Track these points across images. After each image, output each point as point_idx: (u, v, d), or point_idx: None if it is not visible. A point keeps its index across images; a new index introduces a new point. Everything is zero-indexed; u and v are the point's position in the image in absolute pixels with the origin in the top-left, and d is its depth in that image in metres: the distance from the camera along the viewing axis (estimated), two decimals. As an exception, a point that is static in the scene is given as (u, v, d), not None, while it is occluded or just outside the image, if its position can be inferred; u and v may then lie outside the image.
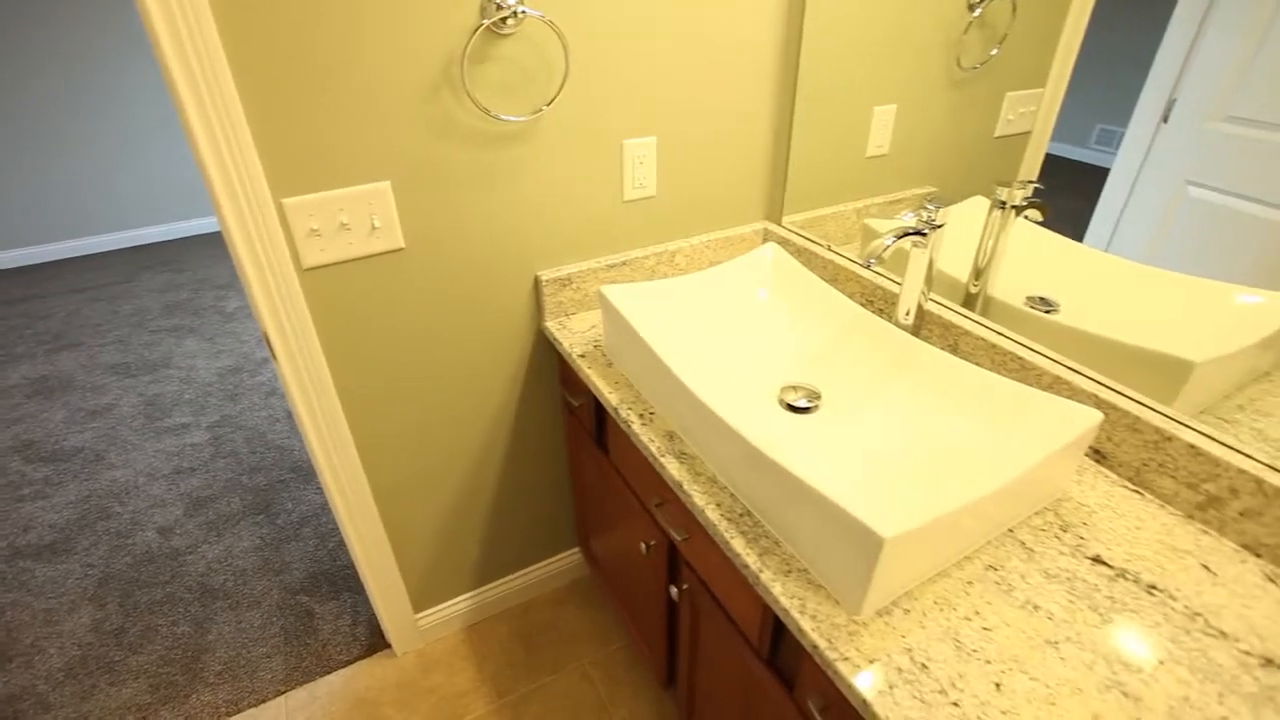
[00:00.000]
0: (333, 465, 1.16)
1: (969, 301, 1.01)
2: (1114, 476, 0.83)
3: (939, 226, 0.88)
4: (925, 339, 1.03)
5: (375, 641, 1.52)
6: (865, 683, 0.59)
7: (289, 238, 0.96)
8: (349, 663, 1.48)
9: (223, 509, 1.92)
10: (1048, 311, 0.90)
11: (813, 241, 1.25)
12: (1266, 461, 0.70)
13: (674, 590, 1.00)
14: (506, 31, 0.95)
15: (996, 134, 0.92)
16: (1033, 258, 0.90)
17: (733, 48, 1.14)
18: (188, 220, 3.85)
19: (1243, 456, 0.71)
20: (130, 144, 3.52)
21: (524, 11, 0.92)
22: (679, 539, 0.93)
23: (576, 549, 1.60)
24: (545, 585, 1.61)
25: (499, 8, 0.92)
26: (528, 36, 0.97)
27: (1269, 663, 0.60)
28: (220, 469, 2.08)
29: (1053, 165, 0.85)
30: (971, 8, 0.91)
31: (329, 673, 1.46)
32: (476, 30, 0.92)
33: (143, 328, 2.92)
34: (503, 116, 0.99)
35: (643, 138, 1.13)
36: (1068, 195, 0.84)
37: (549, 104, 1.02)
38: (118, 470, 2.08)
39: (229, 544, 1.80)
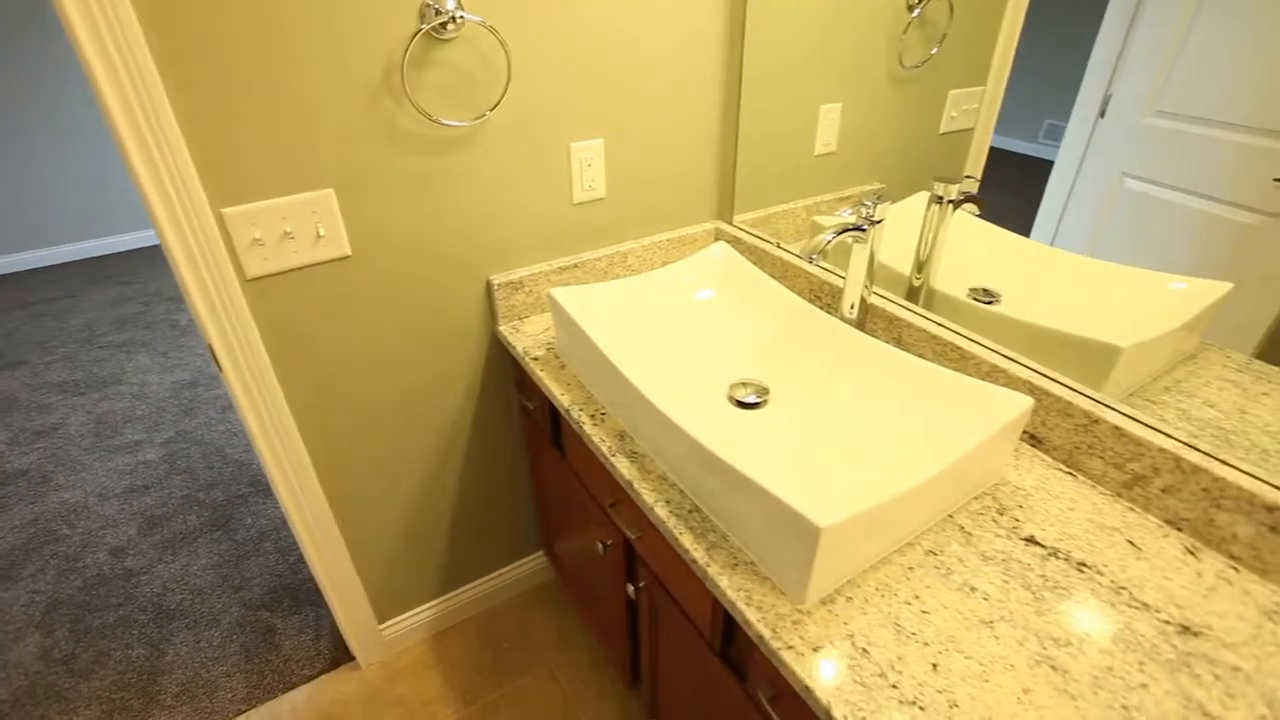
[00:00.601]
0: (287, 478, 1.14)
1: (912, 294, 1.03)
2: (1049, 459, 0.86)
3: (877, 222, 0.91)
4: (871, 332, 1.06)
5: (339, 655, 1.50)
6: (808, 670, 0.61)
7: (230, 248, 0.95)
8: (312, 677, 1.46)
9: (179, 527, 1.88)
10: (989, 302, 0.93)
11: (762, 239, 1.27)
12: (1184, 440, 0.73)
13: (631, 589, 1.01)
14: (447, 37, 0.95)
15: (941, 130, 0.94)
16: (979, 251, 0.93)
17: (677, 50, 1.15)
18: (137, 231, 3.74)
19: (1163, 436, 0.74)
20: (74, 153, 3.41)
21: (463, 16, 0.92)
22: (633, 537, 0.94)
23: (541, 552, 1.60)
24: (511, 590, 1.61)
25: (438, 13, 0.92)
26: (469, 41, 0.97)
27: (1185, 630, 0.63)
28: (176, 486, 2.03)
29: (1005, 160, 0.87)
30: (911, 8, 0.93)
31: (291, 689, 1.44)
32: (416, 35, 0.92)
33: (91, 343, 2.83)
34: (446, 121, 0.99)
35: (590, 140, 1.14)
36: (1017, 189, 0.86)
37: (493, 108, 1.02)
38: (66, 491, 2.01)
39: (185, 562, 1.76)
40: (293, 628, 1.57)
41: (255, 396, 1.05)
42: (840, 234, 0.89)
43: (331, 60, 0.89)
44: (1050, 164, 0.82)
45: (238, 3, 0.82)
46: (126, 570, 1.74)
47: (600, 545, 1.06)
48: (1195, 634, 0.63)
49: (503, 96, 1.02)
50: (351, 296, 1.06)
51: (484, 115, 1.02)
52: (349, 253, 1.03)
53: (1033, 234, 0.85)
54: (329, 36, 0.88)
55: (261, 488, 2.00)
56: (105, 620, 1.61)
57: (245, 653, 1.52)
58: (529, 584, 1.63)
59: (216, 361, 1.01)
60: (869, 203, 0.90)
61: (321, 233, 0.99)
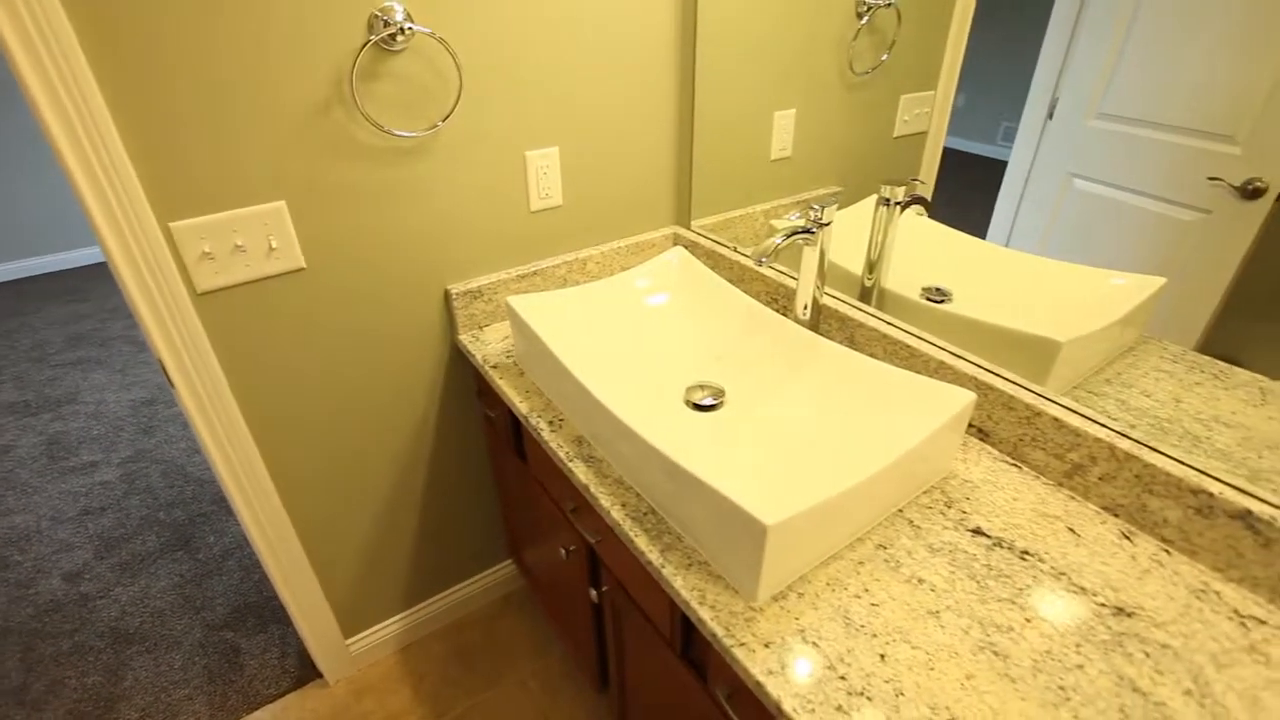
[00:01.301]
0: (246, 495, 1.13)
1: (865, 295, 1.06)
2: (995, 452, 0.88)
3: (825, 225, 0.93)
4: (825, 332, 1.08)
5: (305, 672, 1.48)
6: (759, 666, 0.62)
7: (180, 262, 0.93)
8: (278, 696, 1.43)
9: (137, 548, 1.83)
10: (940, 301, 0.96)
11: (720, 244, 1.29)
12: (1117, 429, 0.76)
13: (594, 593, 1.01)
14: (397, 48, 0.95)
15: (895, 134, 0.96)
16: (934, 251, 0.95)
17: (630, 57, 1.16)
18: (93, 246, 3.64)
19: (1097, 426, 0.77)
20: (24, 166, 3.31)
21: (412, 28, 0.93)
22: (593, 542, 0.94)
23: (509, 560, 1.60)
24: (480, 599, 1.60)
25: (386, 24, 0.92)
26: (419, 52, 0.97)
27: (1120, 612, 0.66)
28: (134, 506, 1.98)
29: (966, 161, 0.89)
30: (859, 15, 0.95)
31: (256, 709, 1.41)
32: (365, 47, 0.92)
33: (44, 362, 2.74)
34: (398, 132, 0.99)
35: (544, 148, 1.15)
36: (978, 189, 0.87)
37: (445, 119, 1.02)
38: (16, 516, 1.95)
39: (144, 584, 1.72)
40: (257, 647, 1.54)
41: (210, 413, 1.03)
42: (790, 237, 0.90)
43: (280, 72, 0.89)
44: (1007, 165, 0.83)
45: (181, 15, 0.81)
46: (82, 595, 1.69)
47: (563, 551, 1.06)
48: (1129, 615, 0.65)
49: (455, 106, 1.03)
50: (307, 308, 1.05)
51: (436, 125, 1.02)
52: (303, 265, 1.02)
53: (989, 234, 0.87)
54: (276, 48, 0.88)
55: (225, 505, 1.96)
56: (59, 648, 1.56)
57: (208, 674, 1.48)
58: (498, 593, 1.62)
59: (169, 378, 0.99)
60: (816, 206, 0.92)
61: (274, 245, 0.98)
